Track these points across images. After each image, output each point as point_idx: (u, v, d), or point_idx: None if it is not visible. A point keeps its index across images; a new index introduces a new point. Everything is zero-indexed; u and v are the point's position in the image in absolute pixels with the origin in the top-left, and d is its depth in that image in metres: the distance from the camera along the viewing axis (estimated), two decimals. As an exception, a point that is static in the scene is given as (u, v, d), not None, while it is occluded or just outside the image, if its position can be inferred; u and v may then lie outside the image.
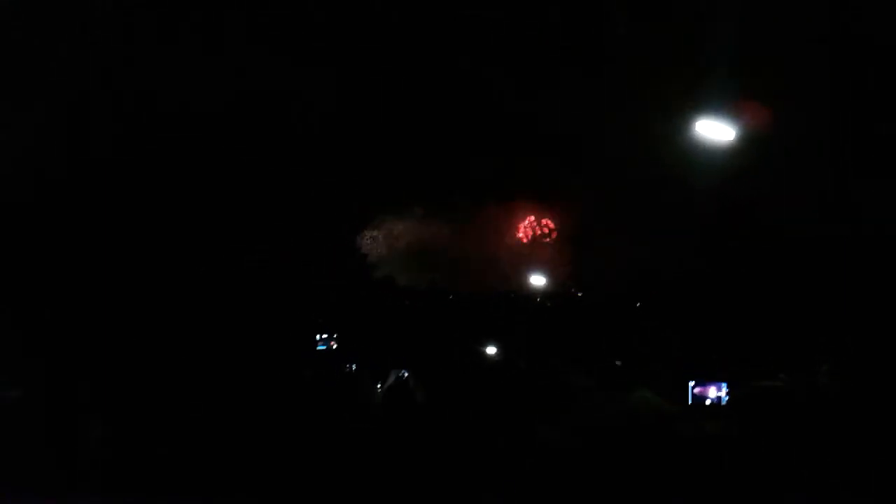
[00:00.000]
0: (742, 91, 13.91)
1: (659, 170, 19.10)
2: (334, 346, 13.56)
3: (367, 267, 26.10)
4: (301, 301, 14.56)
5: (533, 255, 29.33)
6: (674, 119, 15.53)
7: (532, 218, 30.51)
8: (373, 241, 28.88)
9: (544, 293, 24.25)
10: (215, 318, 10.35)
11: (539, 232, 30.47)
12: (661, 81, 18.46)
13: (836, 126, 14.07)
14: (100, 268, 10.38)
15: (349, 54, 21.19)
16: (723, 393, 7.40)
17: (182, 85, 14.58)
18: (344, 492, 4.84)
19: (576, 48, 21.99)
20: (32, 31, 11.76)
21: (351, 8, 20.08)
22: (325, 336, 13.65)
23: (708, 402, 7.42)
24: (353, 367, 10.44)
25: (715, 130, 11.10)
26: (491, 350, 14.35)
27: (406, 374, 6.46)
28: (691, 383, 7.47)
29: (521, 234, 30.59)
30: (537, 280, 24.98)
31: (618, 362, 8.15)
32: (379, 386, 6.78)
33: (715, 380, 7.55)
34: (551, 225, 30.35)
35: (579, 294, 24.15)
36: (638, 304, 18.61)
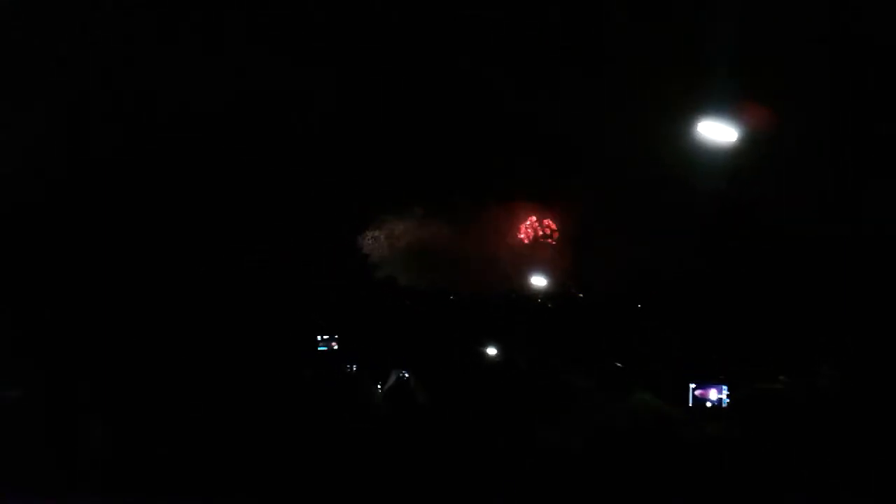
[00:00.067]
0: (742, 91, 13.92)
1: (659, 170, 19.11)
2: (335, 347, 13.54)
3: (368, 267, 26.10)
4: (301, 301, 14.56)
5: (534, 255, 29.32)
6: (674, 119, 15.55)
7: (534, 218, 30.49)
8: (374, 242, 28.88)
9: (545, 294, 24.23)
10: (215, 318, 10.35)
11: (541, 233, 30.47)
12: (661, 81, 18.47)
13: (837, 126, 14.06)
14: (100, 268, 10.38)
15: (349, 54, 21.20)
16: (723, 395, 7.39)
17: (182, 85, 14.59)
18: (344, 491, 4.84)
19: (576, 48, 22.00)
20: (32, 31, 11.76)
21: (351, 8, 20.09)
22: (325, 337, 13.63)
23: (709, 404, 7.41)
24: (354, 367, 10.43)
25: (715, 131, 11.11)
26: (491, 351, 14.33)
27: (407, 375, 6.46)
28: (692, 385, 7.46)
29: (522, 235, 30.58)
30: (538, 281, 24.95)
31: (619, 364, 8.14)
32: (380, 386, 6.78)
33: (715, 381, 7.54)
34: (553, 226, 30.34)
35: (580, 295, 24.12)
36: (639, 306, 18.60)
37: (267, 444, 5.27)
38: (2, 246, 9.68)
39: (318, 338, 12.82)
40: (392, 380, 6.50)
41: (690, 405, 7.40)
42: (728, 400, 7.33)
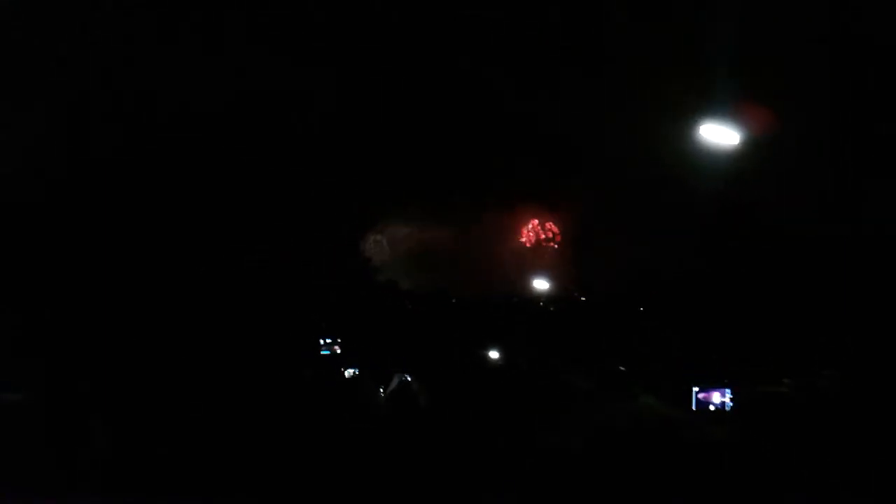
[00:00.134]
0: (742, 91, 13.92)
1: (659, 170, 19.11)
2: (338, 351, 13.57)
3: (370, 270, 26.08)
4: (301, 300, 14.55)
5: (536, 258, 29.33)
6: (674, 119, 15.55)
7: (536, 222, 30.50)
8: (375, 245, 28.89)
9: (547, 297, 24.22)
10: (215, 318, 10.35)
11: (543, 236, 30.46)
12: (661, 81, 18.47)
13: (837, 126, 14.06)
14: (100, 268, 10.37)
15: (349, 54, 21.21)
16: (727, 398, 7.36)
17: (182, 85, 14.57)
18: (344, 492, 4.84)
19: (576, 48, 22.01)
20: (32, 31, 11.75)
21: (351, 8, 20.09)
22: (328, 340, 13.65)
23: (712, 407, 7.38)
24: (356, 369, 10.46)
25: (716, 133, 11.10)
26: (493, 353, 14.35)
27: (409, 378, 6.46)
28: (695, 389, 7.43)
29: (523, 238, 30.57)
30: (540, 284, 24.92)
31: (619, 365, 8.14)
32: (382, 389, 6.77)
33: (718, 384, 7.51)
34: (555, 229, 30.35)
35: (582, 298, 24.14)
36: (641, 308, 18.61)
37: (267, 444, 5.27)
38: (2, 246, 9.68)
39: (321, 341, 12.86)
40: (394, 382, 6.50)
41: (693, 408, 7.37)
42: (731, 403, 7.30)
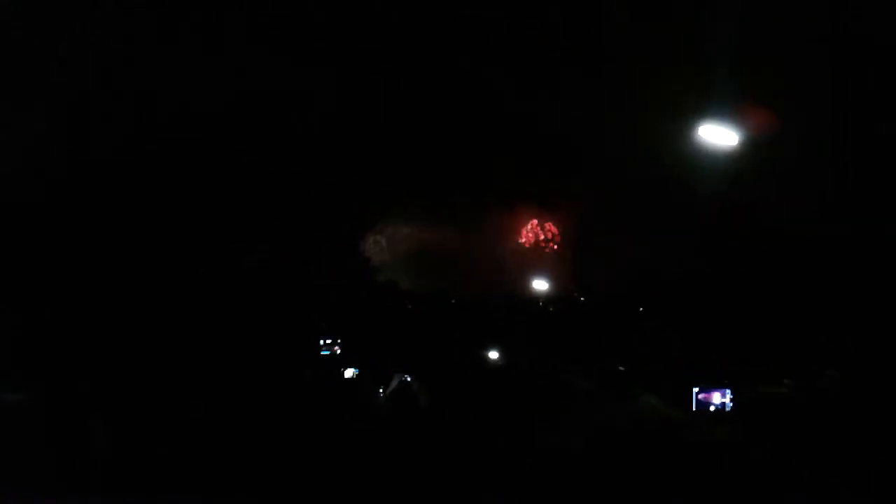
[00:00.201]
0: (742, 91, 13.91)
1: (659, 170, 19.11)
2: (338, 352, 13.56)
3: (370, 270, 26.08)
4: (300, 300, 14.55)
5: (535, 259, 29.33)
6: (674, 119, 15.55)
7: (535, 222, 30.51)
8: (375, 246, 28.89)
9: (547, 297, 24.23)
10: (215, 318, 10.35)
11: (542, 237, 30.47)
12: (661, 81, 18.47)
13: (837, 126, 14.05)
14: (100, 268, 10.37)
15: (349, 54, 21.20)
16: (727, 399, 7.36)
17: (182, 85, 14.56)
18: (345, 491, 4.84)
19: (576, 48, 22.01)
20: (32, 31, 11.75)
21: (351, 8, 20.09)
22: (329, 341, 13.65)
23: (712, 407, 7.38)
24: (356, 370, 10.45)
25: (716, 133, 11.10)
26: (493, 353, 14.35)
27: (409, 378, 6.46)
28: (695, 389, 7.43)
29: (523, 239, 30.59)
30: (540, 284, 24.92)
31: (621, 367, 8.15)
32: (382, 389, 6.78)
33: (718, 384, 7.51)
34: (554, 230, 30.36)
35: (582, 298, 24.15)
36: (641, 308, 18.61)
37: (267, 444, 5.27)
38: (2, 246, 9.67)
39: (322, 341, 12.85)
40: (394, 382, 6.50)
41: (694, 409, 7.37)
42: (732, 404, 7.30)
